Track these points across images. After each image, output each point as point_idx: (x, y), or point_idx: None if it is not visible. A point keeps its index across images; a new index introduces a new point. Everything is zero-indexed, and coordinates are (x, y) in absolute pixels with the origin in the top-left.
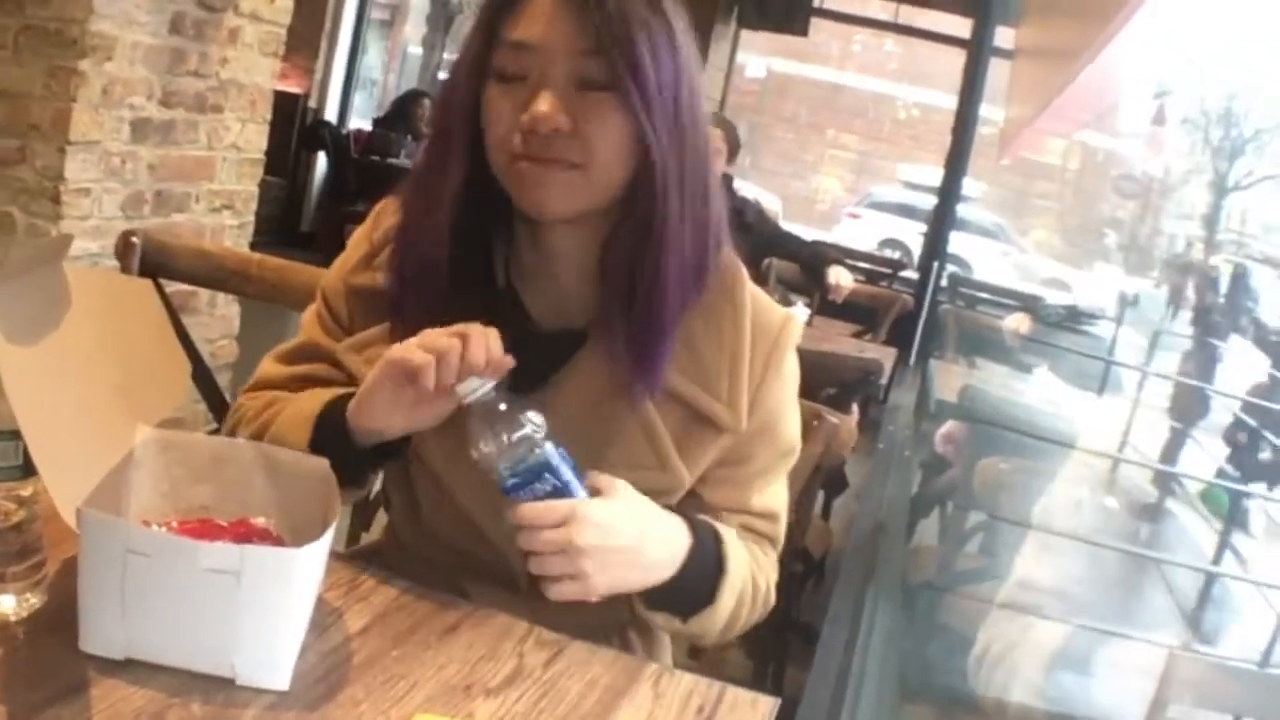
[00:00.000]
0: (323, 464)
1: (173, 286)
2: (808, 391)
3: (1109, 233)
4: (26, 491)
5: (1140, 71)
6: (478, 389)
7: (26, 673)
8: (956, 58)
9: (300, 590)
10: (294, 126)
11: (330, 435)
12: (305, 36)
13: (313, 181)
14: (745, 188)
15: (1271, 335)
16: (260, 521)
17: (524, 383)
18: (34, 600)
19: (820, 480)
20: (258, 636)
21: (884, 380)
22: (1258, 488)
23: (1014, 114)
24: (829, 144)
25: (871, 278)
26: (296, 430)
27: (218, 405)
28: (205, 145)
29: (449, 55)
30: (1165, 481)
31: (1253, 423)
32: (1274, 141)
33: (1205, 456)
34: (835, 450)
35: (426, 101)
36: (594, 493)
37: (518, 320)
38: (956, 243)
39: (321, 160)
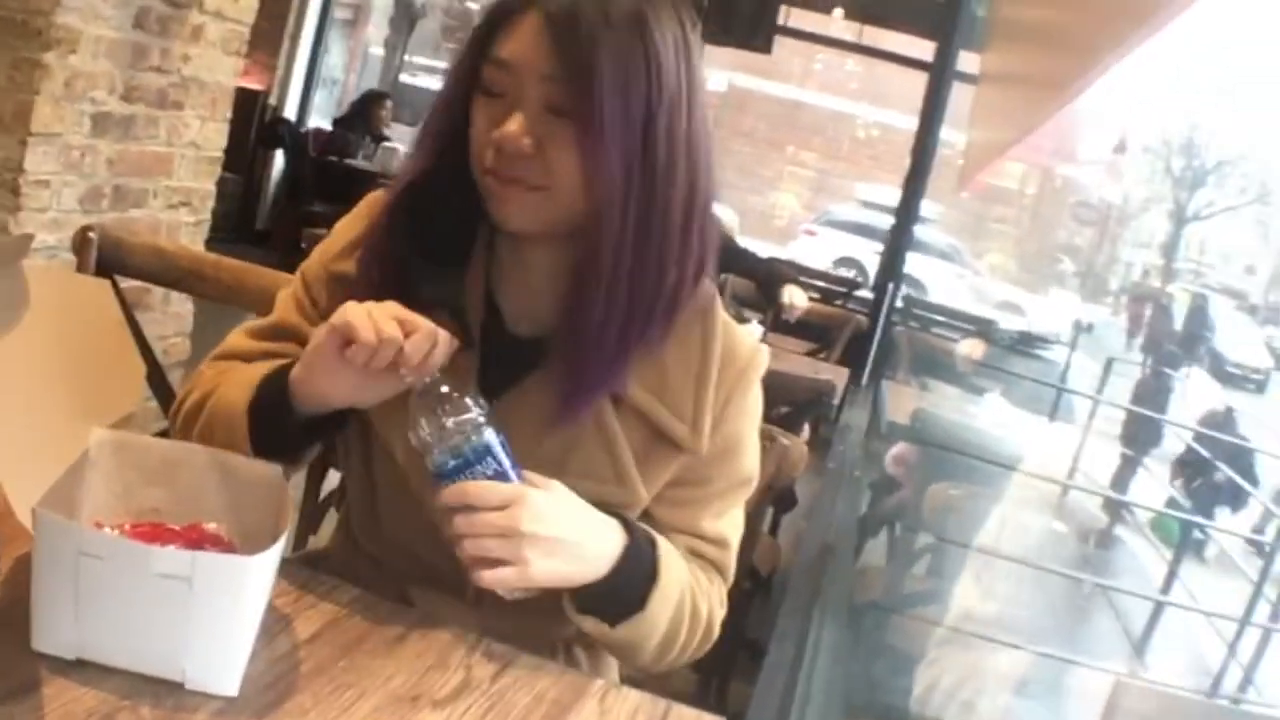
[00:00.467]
0: (276, 470)
1: (127, 283)
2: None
3: (1064, 259)
4: None
5: (1106, 101)
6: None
7: None
8: (918, 79)
9: (251, 598)
10: (253, 123)
11: (271, 398)
12: (268, 32)
13: (270, 179)
14: None
15: (1228, 365)
16: (212, 527)
17: (491, 383)
18: None
19: (770, 498)
20: (208, 642)
21: (836, 400)
22: (1209, 516)
23: (976, 138)
24: (788, 160)
25: (827, 296)
26: (239, 390)
27: (169, 403)
28: (165, 141)
29: (410, 57)
30: (1115, 508)
31: (1205, 453)
32: (1235, 173)
33: (1156, 484)
34: (786, 471)
35: (388, 103)
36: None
37: (492, 322)
38: (912, 264)
39: (279, 158)
